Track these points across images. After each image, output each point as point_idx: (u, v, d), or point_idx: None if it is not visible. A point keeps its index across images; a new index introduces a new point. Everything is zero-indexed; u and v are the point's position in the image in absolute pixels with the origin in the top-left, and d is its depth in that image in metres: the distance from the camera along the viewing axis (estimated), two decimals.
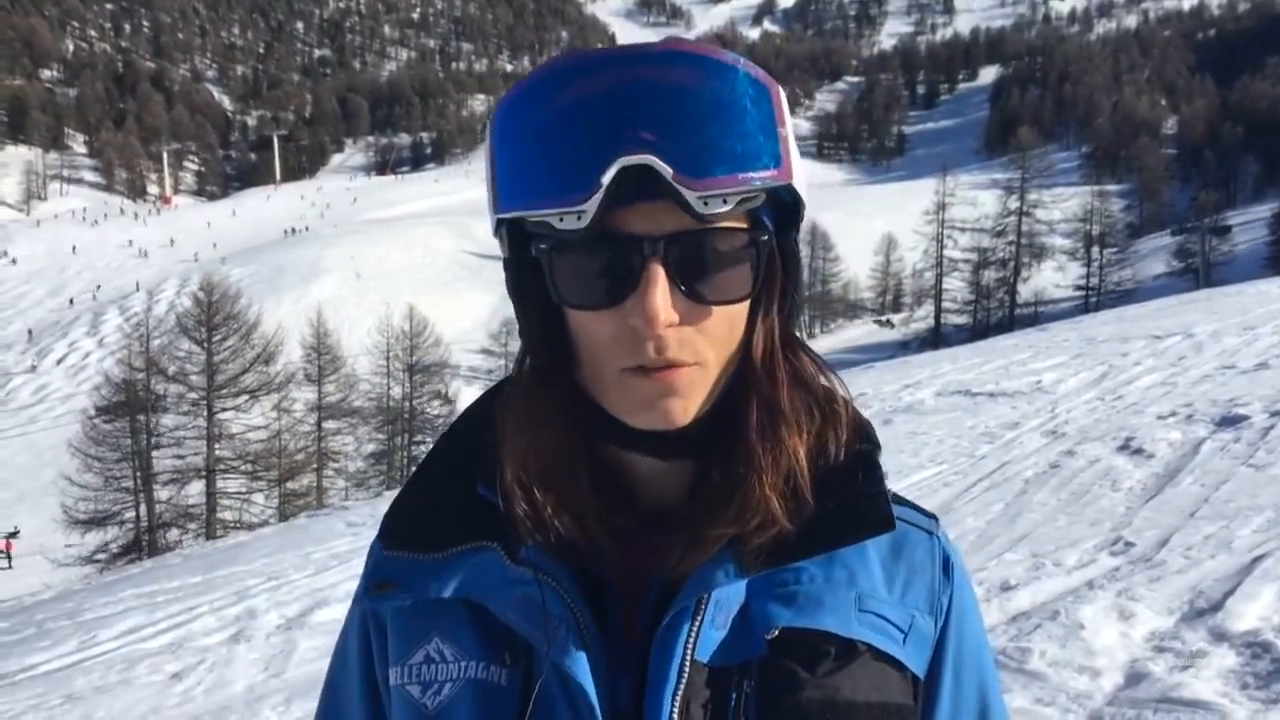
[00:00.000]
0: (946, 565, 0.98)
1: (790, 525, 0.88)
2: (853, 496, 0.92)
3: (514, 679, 0.87)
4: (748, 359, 0.91)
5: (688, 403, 0.85)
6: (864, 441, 0.96)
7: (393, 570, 0.95)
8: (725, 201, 0.81)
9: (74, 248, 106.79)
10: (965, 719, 0.98)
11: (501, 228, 0.90)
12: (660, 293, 0.80)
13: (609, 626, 0.88)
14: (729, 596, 0.88)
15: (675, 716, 0.83)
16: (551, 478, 0.90)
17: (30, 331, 72.74)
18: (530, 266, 0.89)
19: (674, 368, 0.83)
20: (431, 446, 1.03)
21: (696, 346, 0.84)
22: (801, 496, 0.89)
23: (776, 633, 0.87)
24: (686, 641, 0.85)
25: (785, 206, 0.91)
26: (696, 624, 0.85)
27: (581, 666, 0.84)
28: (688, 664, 0.84)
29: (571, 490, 0.90)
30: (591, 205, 0.79)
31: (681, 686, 0.83)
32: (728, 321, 0.86)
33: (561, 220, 0.81)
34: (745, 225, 0.86)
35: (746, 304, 0.88)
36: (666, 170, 0.78)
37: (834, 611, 0.89)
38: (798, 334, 0.97)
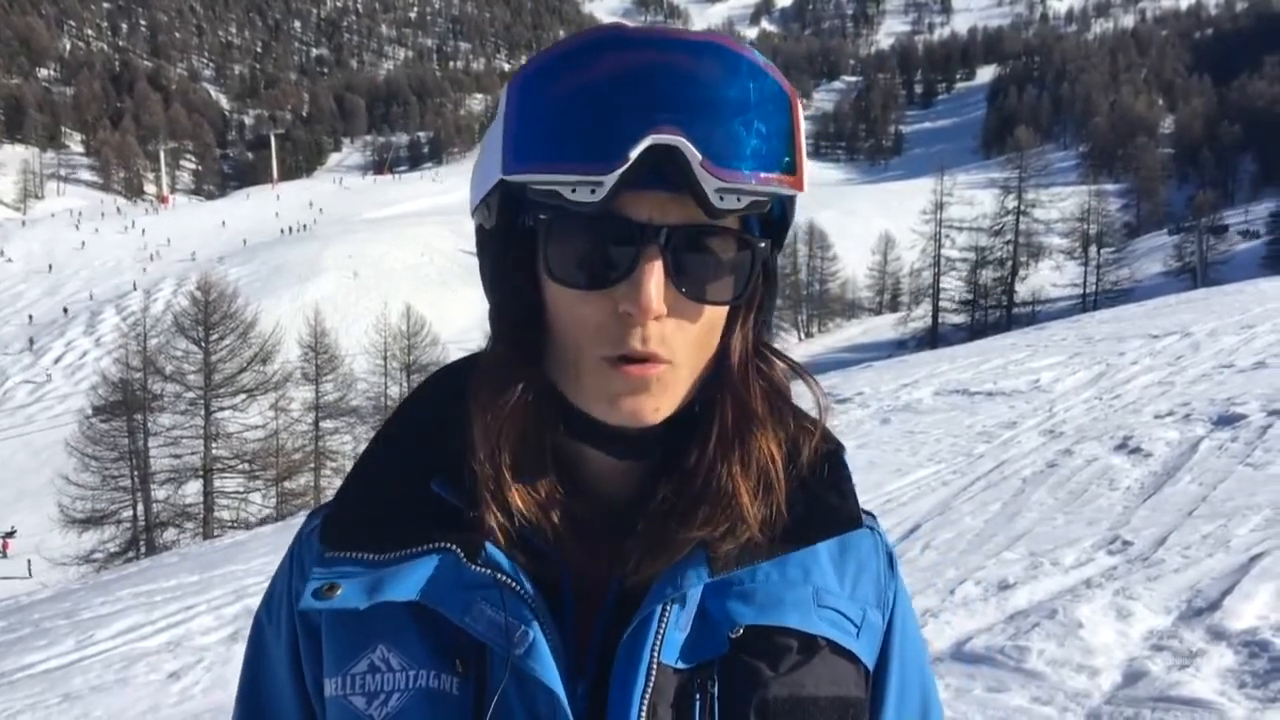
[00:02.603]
0: (890, 560, 1.00)
1: (760, 533, 0.88)
2: (820, 496, 0.93)
3: (466, 687, 0.84)
4: (722, 364, 0.90)
5: (659, 401, 0.84)
6: (827, 442, 0.96)
7: (339, 571, 0.88)
8: (739, 200, 0.81)
9: (48, 251, 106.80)
10: (909, 708, 0.99)
11: (492, 195, 0.86)
12: (655, 282, 0.80)
13: (565, 628, 0.86)
14: (689, 597, 0.87)
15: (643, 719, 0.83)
16: (520, 464, 0.88)
17: (31, 340, 72.25)
18: (515, 241, 0.87)
19: (649, 362, 0.82)
20: (374, 436, 0.98)
21: (674, 344, 0.83)
22: (775, 502, 0.89)
23: (741, 631, 0.87)
24: (653, 645, 0.84)
25: (772, 223, 0.91)
26: (662, 626, 0.84)
27: (549, 670, 0.82)
28: (654, 667, 0.83)
29: (537, 478, 0.89)
30: (612, 178, 0.77)
31: (649, 691, 0.83)
32: (707, 323, 0.86)
33: (574, 191, 0.79)
34: (741, 231, 0.86)
35: (726, 309, 0.88)
36: (695, 155, 0.77)
37: (795, 608, 0.89)
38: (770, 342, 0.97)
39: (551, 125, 0.80)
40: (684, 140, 0.77)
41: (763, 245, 0.87)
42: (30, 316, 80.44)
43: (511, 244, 0.88)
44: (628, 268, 0.80)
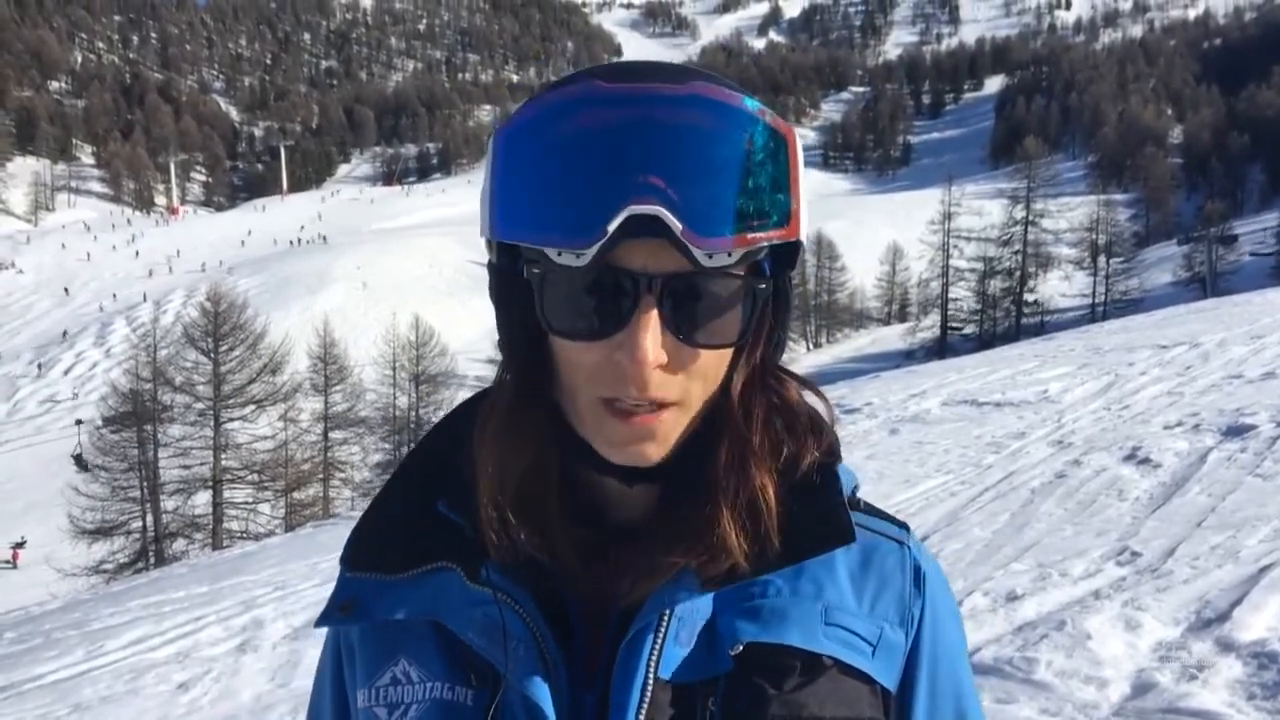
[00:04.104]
0: (918, 576, 0.96)
1: (744, 561, 0.87)
2: (812, 510, 0.91)
3: (479, 700, 0.86)
4: (725, 395, 0.89)
5: (660, 445, 0.84)
6: (827, 455, 0.95)
7: (354, 591, 0.94)
8: (729, 255, 0.79)
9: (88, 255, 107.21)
10: None
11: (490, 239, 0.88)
12: (651, 333, 0.79)
13: (573, 645, 0.87)
14: (693, 612, 0.87)
15: None
16: (524, 497, 0.89)
17: (40, 366, 71.77)
18: (518, 280, 0.87)
19: (651, 411, 0.82)
20: (399, 464, 1.02)
21: (677, 386, 0.83)
22: (765, 534, 0.88)
23: (741, 648, 0.86)
24: (649, 659, 0.84)
25: (783, 248, 0.89)
26: (659, 641, 0.84)
27: (539, 687, 0.83)
28: (650, 682, 0.83)
29: (542, 509, 0.89)
30: (593, 250, 0.77)
31: (645, 705, 0.82)
32: (713, 362, 0.85)
33: (559, 255, 0.79)
34: (743, 271, 0.84)
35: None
36: (676, 225, 0.76)
37: (799, 625, 0.87)
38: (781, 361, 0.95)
39: (531, 195, 0.79)
40: (661, 210, 0.75)
41: (762, 286, 0.85)
42: (65, 332, 79.42)
43: (514, 283, 0.87)
44: (623, 318, 0.79)
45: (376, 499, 1.00)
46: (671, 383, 0.82)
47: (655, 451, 0.84)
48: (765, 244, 0.80)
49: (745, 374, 0.90)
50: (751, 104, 0.81)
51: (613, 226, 0.76)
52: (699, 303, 0.81)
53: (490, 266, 0.91)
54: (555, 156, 0.78)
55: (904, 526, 0.99)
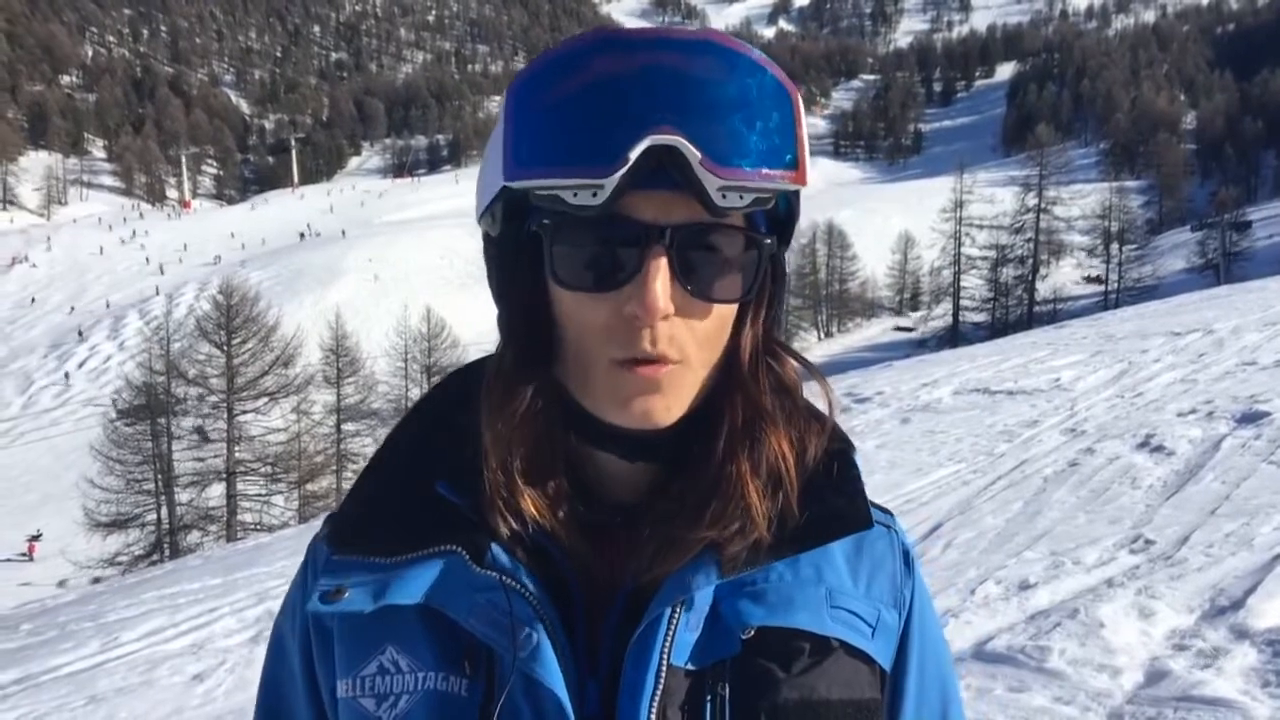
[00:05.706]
0: (906, 558, 0.98)
1: (768, 533, 0.87)
2: (830, 495, 0.92)
3: (475, 689, 0.84)
4: (732, 362, 0.89)
5: (670, 401, 0.84)
6: (837, 441, 0.95)
7: (345, 575, 0.89)
8: (742, 197, 0.80)
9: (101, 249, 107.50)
10: (929, 709, 0.98)
11: (496, 203, 0.86)
12: (661, 283, 0.79)
13: (574, 629, 0.86)
14: (700, 598, 0.86)
15: None
16: (531, 469, 0.88)
17: (67, 375, 71.34)
18: (522, 247, 0.87)
19: (659, 363, 0.82)
20: (384, 440, 0.99)
21: (683, 343, 0.83)
22: (786, 501, 0.88)
23: (752, 632, 0.86)
24: (663, 646, 0.83)
25: (779, 220, 0.91)
26: (672, 628, 0.84)
27: (553, 673, 0.81)
28: (664, 669, 0.82)
29: (549, 484, 0.88)
30: (612, 181, 0.77)
31: (659, 693, 0.82)
32: (717, 321, 0.85)
33: (575, 195, 0.79)
34: (747, 228, 0.85)
35: (735, 306, 0.87)
36: (695, 154, 0.77)
37: (807, 608, 0.88)
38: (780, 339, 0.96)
39: (550, 129, 0.79)
40: (682, 140, 0.77)
41: (769, 242, 0.86)
42: (80, 331, 78.49)
43: (518, 250, 0.87)
44: (633, 269, 0.80)
45: (361, 480, 0.96)
46: (676, 339, 0.82)
47: (661, 409, 0.83)
48: (777, 186, 0.82)
49: (751, 340, 0.90)
50: (759, 55, 0.83)
51: (634, 154, 0.76)
52: (708, 255, 0.82)
53: (488, 241, 0.91)
54: (573, 97, 0.79)
55: (888, 511, 1.01)
